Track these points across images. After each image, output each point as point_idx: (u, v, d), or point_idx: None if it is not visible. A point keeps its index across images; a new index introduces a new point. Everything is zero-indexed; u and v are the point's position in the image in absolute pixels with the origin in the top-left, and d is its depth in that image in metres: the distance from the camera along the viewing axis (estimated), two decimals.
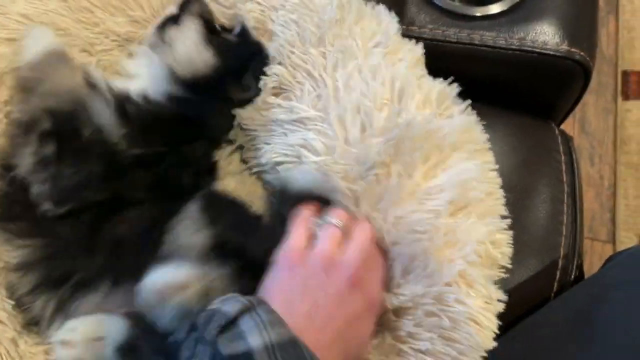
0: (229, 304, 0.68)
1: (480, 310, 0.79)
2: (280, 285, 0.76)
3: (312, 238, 0.80)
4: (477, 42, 1.07)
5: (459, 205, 0.82)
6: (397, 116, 0.85)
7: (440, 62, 0.94)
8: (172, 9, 0.96)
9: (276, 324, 0.67)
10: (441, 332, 0.78)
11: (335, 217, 0.81)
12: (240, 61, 0.94)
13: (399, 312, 0.80)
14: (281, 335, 0.66)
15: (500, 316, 0.82)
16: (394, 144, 0.83)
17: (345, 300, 0.75)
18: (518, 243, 0.86)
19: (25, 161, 0.84)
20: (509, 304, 0.82)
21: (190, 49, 0.92)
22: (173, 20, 0.95)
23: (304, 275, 0.76)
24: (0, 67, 0.90)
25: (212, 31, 0.96)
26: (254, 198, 0.96)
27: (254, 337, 0.65)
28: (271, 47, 0.94)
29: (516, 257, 0.86)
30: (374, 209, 0.83)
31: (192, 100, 0.92)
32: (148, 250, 0.81)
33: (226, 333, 0.66)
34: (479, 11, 1.09)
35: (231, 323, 0.66)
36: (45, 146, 0.84)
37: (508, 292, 0.83)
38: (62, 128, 0.85)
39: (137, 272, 0.78)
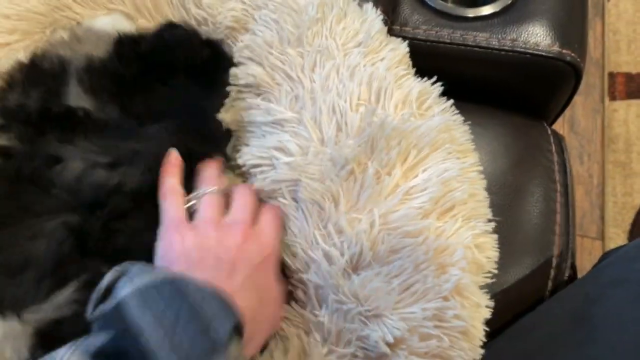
0: (106, 278, 0.56)
1: (471, 321, 0.65)
2: (176, 254, 0.65)
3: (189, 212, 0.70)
4: (470, 42, 0.93)
5: (445, 207, 0.68)
6: (372, 115, 0.70)
7: (433, 62, 0.81)
8: None
9: (148, 272, 0.55)
10: (437, 353, 0.63)
11: (208, 186, 0.71)
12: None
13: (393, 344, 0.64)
14: (154, 277, 0.54)
15: (496, 315, 0.69)
16: (369, 144, 0.69)
17: (244, 249, 0.66)
18: (512, 242, 0.79)
19: None
20: (505, 303, 0.73)
21: None
22: None
23: (197, 240, 0.66)
24: None
25: None
26: None
27: (124, 289, 0.53)
28: (246, 47, 0.79)
29: (511, 256, 0.78)
30: (354, 208, 0.68)
31: None
32: None
33: (102, 303, 0.54)
34: (471, 12, 0.95)
35: (107, 292, 0.55)
36: None
37: (504, 290, 0.76)
38: None
39: None
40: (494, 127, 0.94)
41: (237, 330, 0.55)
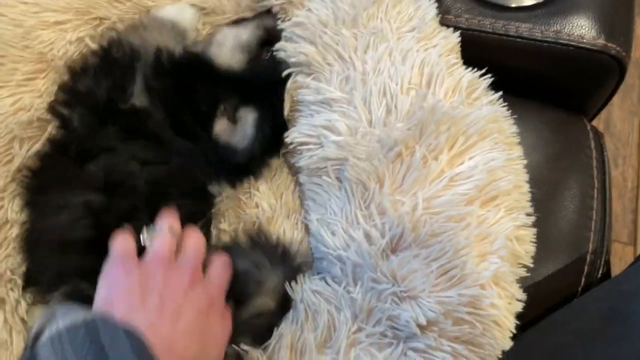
0: (35, 324, 0.56)
1: (505, 311, 0.66)
2: (120, 291, 0.64)
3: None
4: (512, 33, 0.91)
5: (489, 196, 0.68)
6: (423, 100, 0.70)
7: (474, 52, 0.80)
8: (247, 14, 0.88)
9: (71, 314, 0.55)
10: (468, 339, 0.64)
11: (164, 224, 0.70)
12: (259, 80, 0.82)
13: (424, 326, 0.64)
14: (73, 319, 0.54)
15: (527, 308, 0.69)
16: (418, 127, 0.69)
17: (190, 294, 0.65)
18: (547, 236, 0.77)
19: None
20: (536, 297, 0.71)
21: (226, 50, 0.83)
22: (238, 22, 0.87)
23: (143, 277, 0.65)
24: None
25: (265, 44, 0.84)
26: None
27: (44, 336, 0.53)
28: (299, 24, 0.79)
29: (544, 250, 0.74)
30: (398, 190, 0.68)
31: None
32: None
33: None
34: (514, 2, 0.93)
35: (36, 338, 0.54)
36: None
37: (537, 284, 0.75)
38: None
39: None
40: (533, 120, 0.93)
41: None
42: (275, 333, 0.69)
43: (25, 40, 0.79)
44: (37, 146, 0.79)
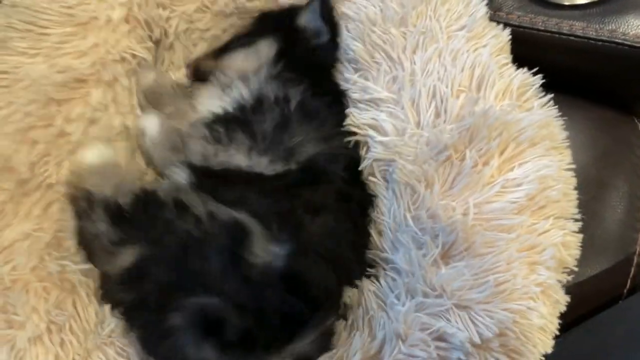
0: None
1: (550, 317, 0.66)
2: None
3: None
4: (565, 31, 0.89)
5: (539, 205, 0.67)
6: (474, 104, 0.69)
7: (525, 50, 0.78)
8: None
9: None
10: (512, 348, 0.63)
11: None
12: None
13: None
14: None
15: (570, 308, 0.69)
16: (469, 132, 0.68)
17: None
18: (593, 237, 0.76)
19: None
20: (580, 297, 0.70)
21: None
22: None
23: None
24: None
25: None
26: None
27: None
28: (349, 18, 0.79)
29: (589, 250, 0.72)
30: (448, 193, 0.67)
31: None
32: None
33: None
34: (567, 0, 0.91)
35: None
36: None
37: (581, 284, 0.73)
38: None
39: None
40: (581, 119, 0.91)
41: None
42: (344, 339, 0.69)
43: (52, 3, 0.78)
44: (77, 109, 0.77)
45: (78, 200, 0.74)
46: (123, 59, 0.81)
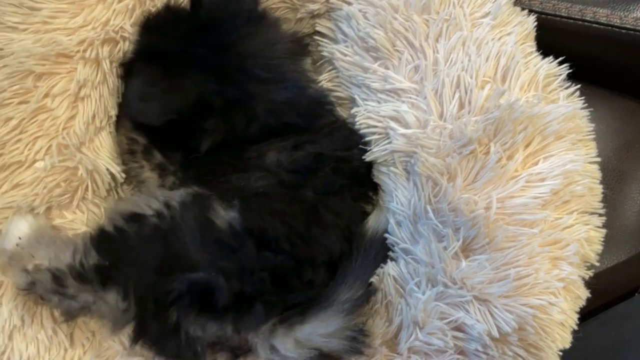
0: None
1: (571, 313, 0.65)
2: None
3: None
4: (589, 18, 0.87)
5: (563, 200, 0.66)
6: (499, 97, 0.67)
7: (547, 37, 0.76)
8: None
9: None
10: (531, 343, 0.63)
11: None
12: None
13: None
14: None
15: (588, 300, 0.68)
16: (494, 125, 0.66)
17: None
18: (611, 228, 0.72)
19: None
20: (596, 289, 0.69)
21: None
22: None
23: None
24: None
25: None
26: None
27: None
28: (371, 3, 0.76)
29: (608, 241, 0.71)
30: (470, 187, 0.66)
31: None
32: None
33: None
34: None
35: None
36: None
37: (598, 275, 0.69)
38: None
39: None
40: (603, 108, 0.90)
41: None
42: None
43: None
44: (60, 84, 0.73)
45: (38, 285, 0.70)
46: (112, 40, 0.75)
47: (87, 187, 0.76)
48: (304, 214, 0.71)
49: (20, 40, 0.71)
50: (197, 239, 0.68)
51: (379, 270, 0.72)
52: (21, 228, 0.71)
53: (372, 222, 0.75)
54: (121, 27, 0.74)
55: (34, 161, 0.73)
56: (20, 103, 0.72)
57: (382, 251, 0.73)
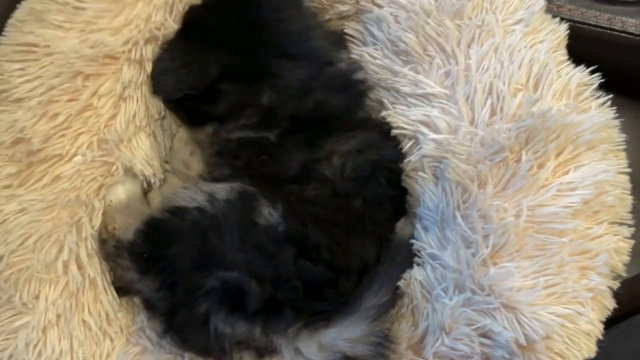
0: None
1: (597, 323, 0.65)
2: None
3: None
4: (617, 27, 0.87)
5: (593, 210, 0.65)
6: (532, 105, 0.67)
7: (575, 45, 0.75)
8: None
9: None
10: (558, 351, 0.63)
11: None
12: None
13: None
14: None
15: None
16: (527, 133, 0.66)
17: None
18: (636, 237, 0.70)
19: None
20: (619, 297, 0.68)
21: None
22: None
23: None
24: None
25: None
26: None
27: None
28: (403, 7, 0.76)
29: (632, 251, 0.69)
30: (500, 194, 0.66)
31: None
32: None
33: None
34: None
35: None
36: None
37: (620, 284, 0.68)
38: None
39: None
40: (631, 119, 0.85)
41: None
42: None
43: None
44: (106, 84, 0.75)
45: (107, 244, 0.75)
46: (155, 38, 0.77)
47: None
48: (348, 223, 0.72)
49: (66, 38, 0.73)
50: (237, 239, 0.68)
51: (405, 275, 0.71)
52: (117, 192, 0.77)
53: (399, 227, 0.75)
54: (162, 24, 0.76)
55: (74, 155, 0.74)
56: (69, 101, 0.74)
57: (408, 257, 0.73)
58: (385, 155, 0.76)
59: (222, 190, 0.71)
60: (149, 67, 0.78)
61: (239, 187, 0.71)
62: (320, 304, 0.68)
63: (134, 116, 0.77)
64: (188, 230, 0.70)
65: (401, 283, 0.71)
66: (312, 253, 0.69)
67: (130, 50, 0.75)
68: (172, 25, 0.77)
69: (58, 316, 0.71)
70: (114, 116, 0.76)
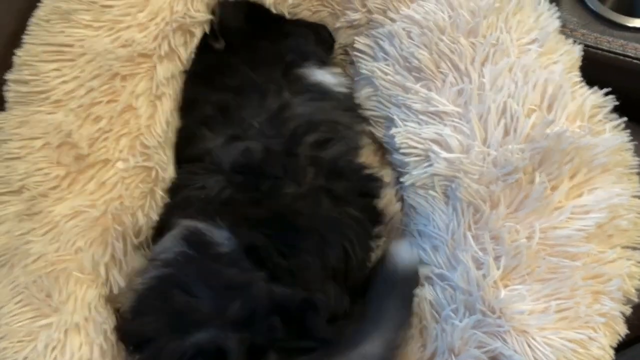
0: None
1: (609, 349, 0.63)
2: None
3: None
4: (630, 54, 0.86)
5: (607, 234, 0.64)
6: (547, 126, 0.66)
7: (588, 70, 0.75)
8: None
9: None
10: None
11: None
12: None
13: None
14: None
15: None
16: (541, 155, 0.65)
17: None
18: None
19: None
20: (628, 323, 0.66)
21: None
22: None
23: None
24: None
25: None
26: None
27: None
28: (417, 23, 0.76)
29: None
30: (512, 216, 0.65)
31: None
32: None
33: None
34: (631, 22, 0.88)
35: None
36: None
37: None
38: None
39: None
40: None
41: None
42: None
43: None
44: (142, 84, 0.75)
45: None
46: (183, 28, 0.77)
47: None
48: (274, 218, 0.70)
49: (96, 37, 0.73)
50: (204, 288, 0.66)
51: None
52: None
53: (394, 249, 0.71)
54: (186, 13, 0.76)
55: (118, 160, 0.73)
56: (109, 102, 0.74)
57: (409, 287, 0.70)
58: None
59: (166, 244, 0.70)
60: (180, 63, 0.78)
61: (179, 232, 0.69)
62: (304, 342, 0.64)
63: (172, 114, 0.78)
64: (157, 293, 0.67)
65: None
66: (269, 263, 0.67)
67: (160, 46, 0.75)
68: (195, 15, 0.77)
69: (86, 319, 0.69)
70: (151, 116, 0.75)
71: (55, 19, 0.73)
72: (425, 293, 0.69)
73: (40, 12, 0.75)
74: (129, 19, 0.73)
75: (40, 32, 0.73)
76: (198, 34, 0.79)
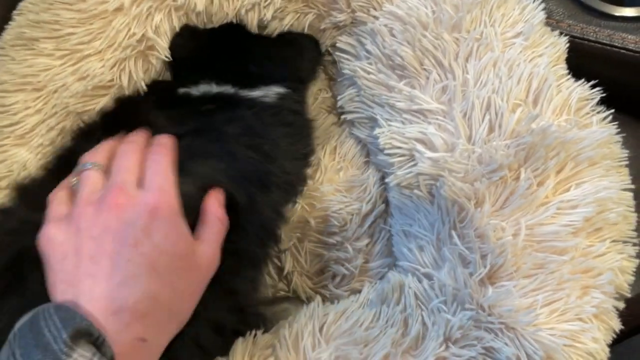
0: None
1: (603, 344, 0.63)
2: (50, 256, 0.57)
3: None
4: (617, 44, 0.85)
5: (595, 227, 0.63)
6: (532, 121, 0.65)
7: (574, 60, 0.74)
8: None
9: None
10: None
11: (88, 161, 0.63)
12: None
13: None
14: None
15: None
16: (526, 150, 0.64)
17: (123, 221, 0.57)
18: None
19: None
20: (625, 316, 0.66)
21: None
22: None
23: (68, 234, 0.57)
24: None
25: None
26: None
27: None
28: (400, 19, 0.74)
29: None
30: (498, 213, 0.64)
31: None
32: None
33: None
34: (617, 11, 0.86)
35: None
36: None
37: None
38: None
39: None
40: (631, 137, 0.86)
41: (83, 333, 0.50)
42: (373, 334, 0.65)
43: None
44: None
45: None
46: (141, 54, 0.73)
47: None
48: None
49: (58, 69, 0.70)
50: None
51: (393, 279, 0.69)
52: None
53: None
54: (143, 35, 0.72)
55: None
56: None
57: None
58: None
59: None
60: (142, 85, 0.74)
61: None
62: None
63: None
64: None
65: (389, 288, 0.68)
66: None
67: (120, 77, 0.72)
68: (154, 38, 0.72)
69: None
70: None
71: (19, 47, 0.71)
72: (409, 282, 0.67)
73: (6, 36, 0.73)
74: (89, 47, 0.71)
75: (4, 59, 0.72)
76: (154, 62, 0.74)
